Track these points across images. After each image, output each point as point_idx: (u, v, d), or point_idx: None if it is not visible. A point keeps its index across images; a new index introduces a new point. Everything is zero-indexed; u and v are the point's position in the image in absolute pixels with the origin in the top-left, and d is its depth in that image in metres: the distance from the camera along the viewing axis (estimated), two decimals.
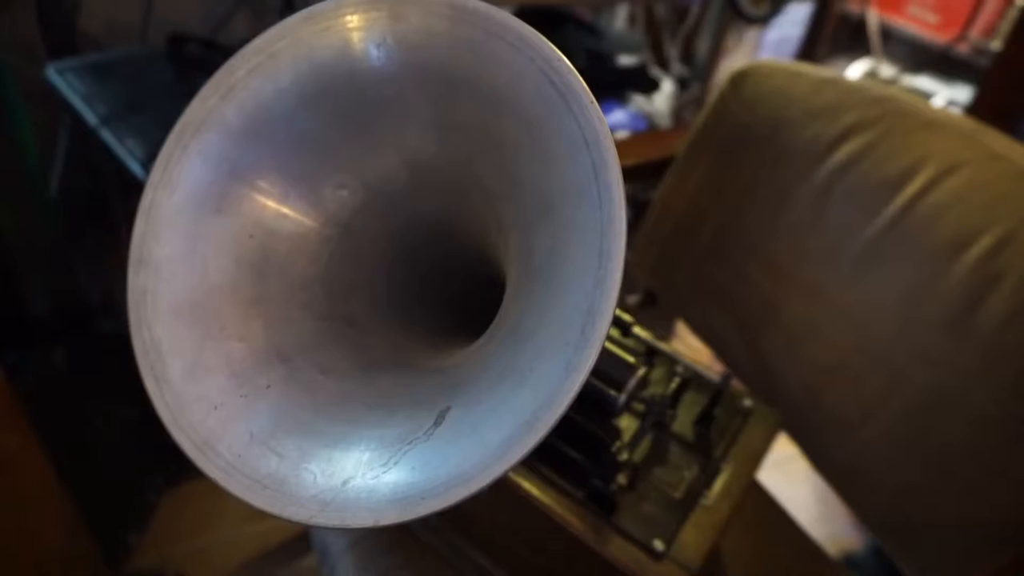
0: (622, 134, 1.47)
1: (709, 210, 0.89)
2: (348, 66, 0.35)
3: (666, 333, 1.31)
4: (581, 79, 0.31)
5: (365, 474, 0.31)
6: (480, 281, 0.44)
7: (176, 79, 1.22)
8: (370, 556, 0.66)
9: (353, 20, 0.35)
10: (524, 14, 1.40)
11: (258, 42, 0.37)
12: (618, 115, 1.44)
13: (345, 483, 0.31)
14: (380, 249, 0.39)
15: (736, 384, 0.69)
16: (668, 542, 0.53)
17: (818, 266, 0.79)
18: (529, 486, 0.56)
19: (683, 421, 0.63)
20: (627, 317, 0.65)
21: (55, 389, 1.01)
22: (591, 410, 0.57)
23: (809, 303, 0.79)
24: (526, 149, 0.31)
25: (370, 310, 0.38)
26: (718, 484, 0.59)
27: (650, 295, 1.17)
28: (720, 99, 0.88)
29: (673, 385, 0.59)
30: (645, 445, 0.60)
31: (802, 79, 0.83)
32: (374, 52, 0.35)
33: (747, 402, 0.67)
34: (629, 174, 1.02)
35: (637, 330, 0.64)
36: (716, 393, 0.61)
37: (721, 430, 0.63)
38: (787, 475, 1.37)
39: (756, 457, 0.63)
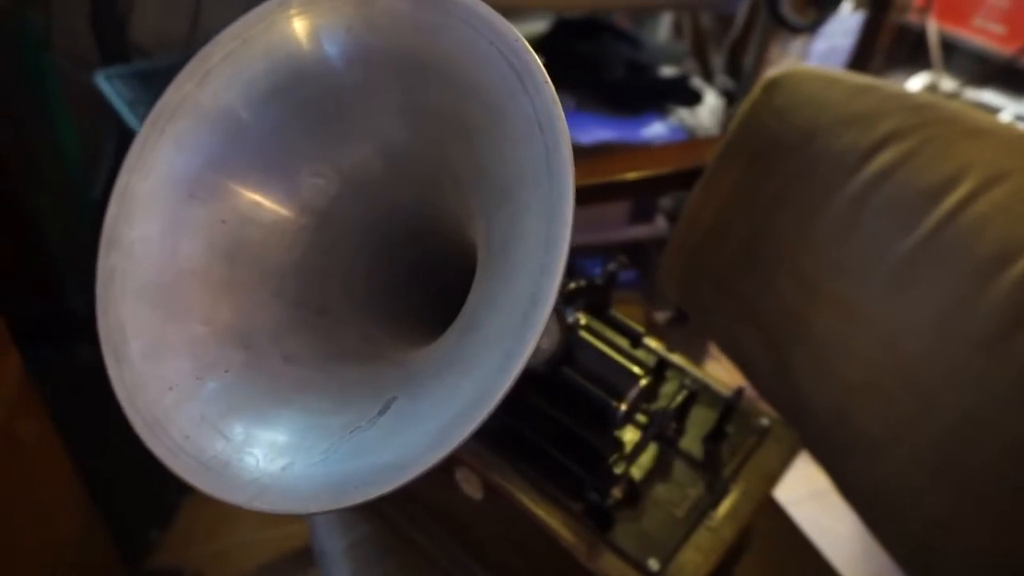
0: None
1: (738, 221, 0.85)
2: (319, 52, 0.35)
3: (699, 353, 1.27)
4: (538, 60, 0.30)
5: (305, 460, 0.30)
6: (463, 275, 0.42)
7: None
8: (367, 560, 0.64)
9: (324, 5, 0.34)
10: (562, 23, 1.40)
11: (235, 27, 0.37)
12: (656, 127, 1.41)
13: (284, 469, 0.30)
14: (358, 241, 0.38)
15: (762, 405, 0.65)
16: (664, 562, 0.50)
17: (850, 280, 0.74)
18: (523, 497, 0.53)
19: (692, 437, 0.60)
20: (638, 328, 0.62)
21: (84, 384, 1.04)
22: (590, 420, 0.55)
23: (839, 318, 0.75)
24: (488, 133, 0.30)
25: (345, 301, 0.37)
26: (725, 505, 0.56)
27: (682, 313, 1.14)
28: (751, 107, 0.85)
29: (679, 398, 0.56)
30: (648, 460, 0.57)
31: (837, 86, 0.79)
32: (344, 37, 0.34)
33: (764, 421, 0.63)
34: (661, 183, 0.99)
35: (649, 342, 0.62)
36: (726, 408, 0.58)
37: (733, 448, 0.60)
38: (827, 508, 1.31)
39: (770, 478, 0.59)
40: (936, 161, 0.70)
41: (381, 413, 0.30)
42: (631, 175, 0.88)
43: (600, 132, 1.38)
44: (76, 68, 1.27)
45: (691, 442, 0.60)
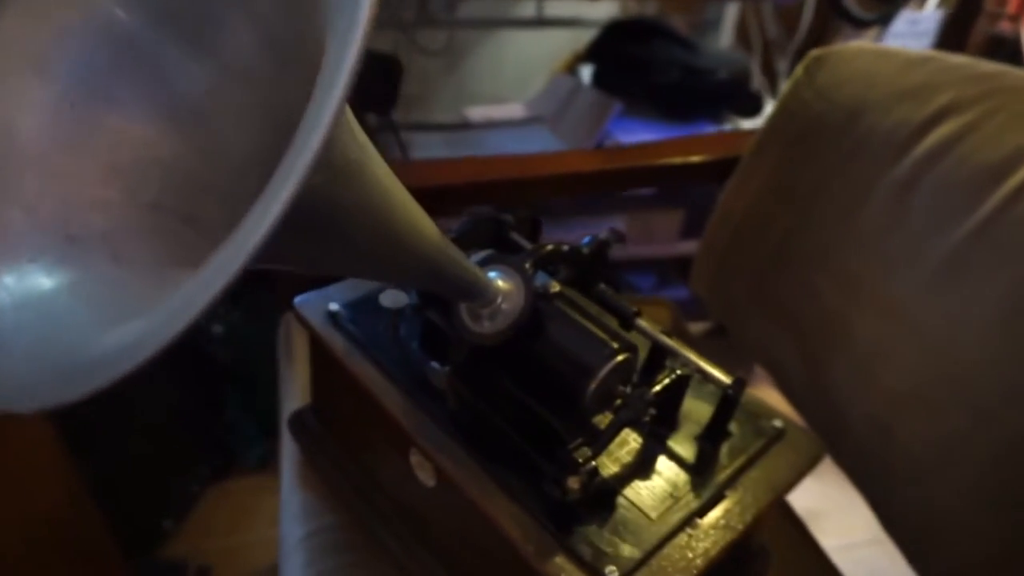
0: None
1: (774, 213, 0.77)
2: None
3: (745, 372, 1.16)
4: None
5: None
6: None
7: None
8: (322, 551, 0.59)
9: None
10: (613, 25, 1.34)
11: None
12: (704, 130, 1.33)
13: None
14: (246, 150, 0.33)
15: (789, 413, 0.56)
16: (627, 571, 0.42)
17: (896, 275, 0.65)
18: (472, 485, 0.47)
19: (686, 435, 0.52)
20: (632, 307, 0.55)
21: None
22: (555, 399, 0.48)
23: (884, 320, 0.65)
24: None
25: (221, 213, 0.32)
26: (716, 512, 0.47)
27: (721, 327, 1.05)
28: (792, 88, 0.77)
29: (665, 381, 0.48)
30: (627, 455, 0.50)
31: (890, 59, 0.70)
32: None
33: (777, 423, 0.54)
34: (692, 172, 0.91)
35: (644, 323, 0.54)
36: (724, 401, 0.50)
37: (734, 451, 0.51)
38: (888, 553, 1.16)
39: (777, 489, 0.50)
40: (999, 136, 0.60)
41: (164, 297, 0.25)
42: (659, 161, 0.81)
43: (648, 137, 1.31)
44: None
45: (683, 440, 0.51)
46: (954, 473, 0.57)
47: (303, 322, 0.57)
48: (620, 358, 0.47)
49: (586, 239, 0.55)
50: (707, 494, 0.48)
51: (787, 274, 0.75)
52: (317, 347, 0.59)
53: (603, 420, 0.48)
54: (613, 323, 0.53)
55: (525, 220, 0.61)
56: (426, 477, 0.52)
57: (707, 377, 0.51)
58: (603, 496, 0.47)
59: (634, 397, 0.46)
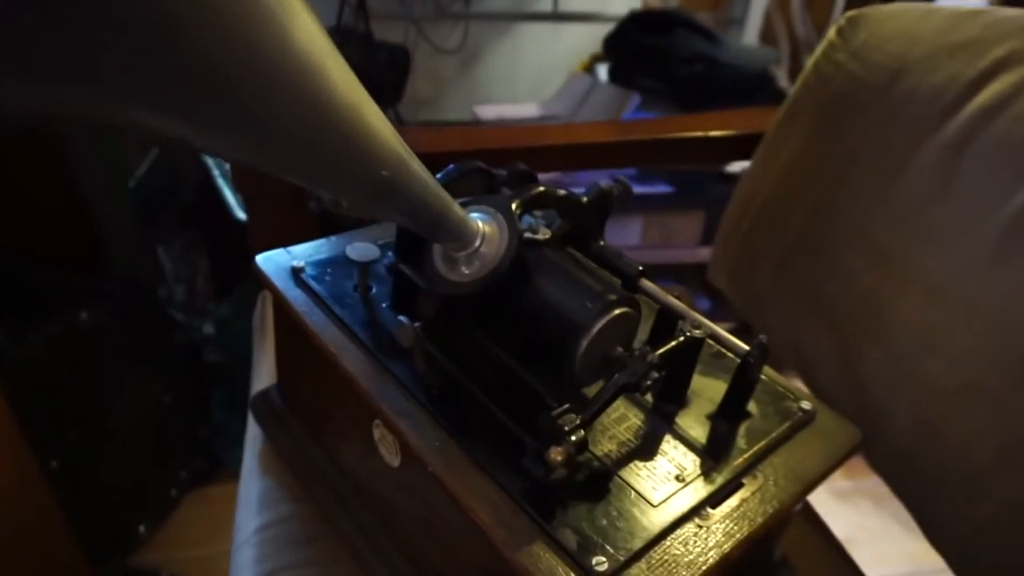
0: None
1: (802, 190, 0.69)
2: None
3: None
4: None
5: None
6: None
7: None
8: (276, 545, 0.51)
9: None
10: (632, 16, 1.29)
11: None
12: None
13: None
14: None
15: (799, 384, 0.48)
16: (619, 564, 0.34)
17: (942, 251, 0.56)
18: (438, 461, 0.39)
19: (697, 414, 0.44)
20: (637, 266, 0.47)
21: (85, 359, 0.98)
22: (539, 359, 0.40)
23: (929, 302, 0.57)
24: None
25: None
26: (731, 502, 0.39)
27: (745, 325, 0.97)
28: (824, 51, 0.70)
29: (672, 343, 0.41)
30: (626, 433, 0.42)
31: (934, 15, 0.63)
32: None
33: (805, 404, 0.46)
34: (715, 146, 0.83)
35: (648, 284, 0.47)
36: (743, 369, 0.42)
37: (755, 433, 0.43)
38: None
39: (804, 479, 0.42)
40: None
41: None
42: (677, 134, 0.74)
43: None
44: None
45: (694, 419, 0.43)
46: (1016, 476, 0.48)
47: (263, 280, 0.51)
48: (618, 312, 0.39)
49: (585, 189, 0.48)
50: (721, 480, 0.40)
51: (817, 256, 0.67)
52: (279, 311, 0.52)
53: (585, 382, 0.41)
54: (615, 284, 0.45)
55: (519, 174, 0.54)
56: (390, 455, 0.44)
57: (722, 343, 0.43)
58: (594, 476, 0.39)
59: (635, 359, 0.38)
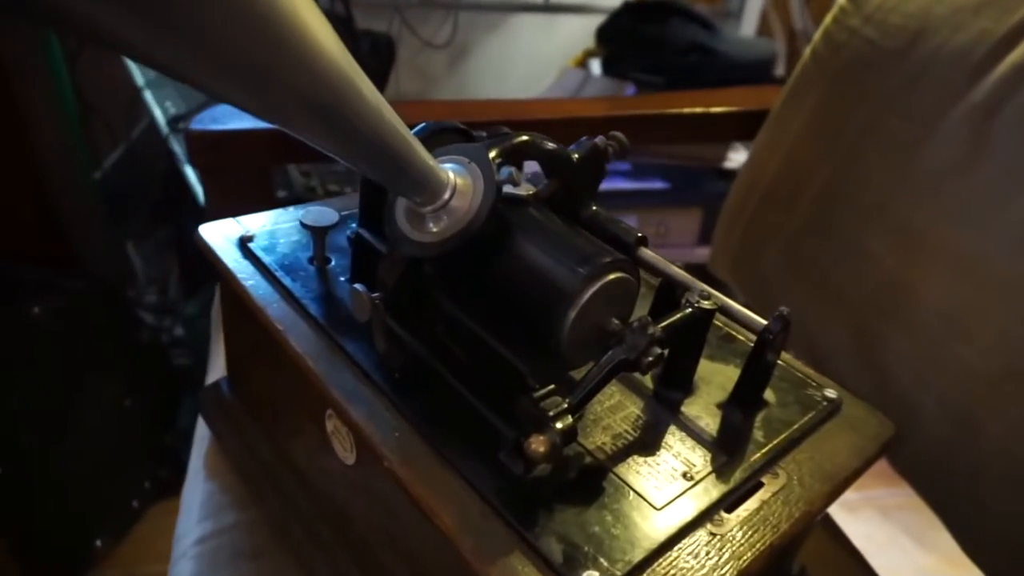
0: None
1: (812, 167, 0.63)
2: None
3: None
4: None
5: None
6: None
7: None
8: (216, 561, 0.44)
9: None
10: (627, 6, 1.23)
11: None
12: None
13: None
14: None
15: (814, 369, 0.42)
16: None
17: (973, 227, 0.50)
18: (396, 457, 0.32)
19: (706, 402, 0.37)
20: (635, 231, 0.41)
21: (35, 351, 0.91)
22: (518, 333, 0.34)
23: (960, 282, 0.51)
24: None
25: None
26: (750, 504, 0.33)
27: None
28: (835, 17, 0.64)
29: (676, 316, 0.34)
30: (622, 424, 0.35)
31: None
32: None
33: (830, 392, 0.40)
34: (718, 123, 0.77)
35: (650, 253, 0.41)
36: (760, 348, 0.36)
37: (773, 425, 0.37)
38: None
39: (833, 478, 0.35)
40: None
41: None
42: (674, 110, 0.68)
43: None
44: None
45: (702, 408, 0.37)
46: None
47: (205, 252, 0.44)
48: (612, 277, 0.33)
49: (576, 145, 0.42)
50: (737, 478, 0.33)
51: (829, 238, 0.61)
52: (225, 287, 0.45)
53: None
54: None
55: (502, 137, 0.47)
56: (344, 450, 0.37)
57: (734, 317, 0.37)
58: (585, 473, 0.32)
59: (634, 331, 0.32)
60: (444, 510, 0.30)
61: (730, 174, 1.23)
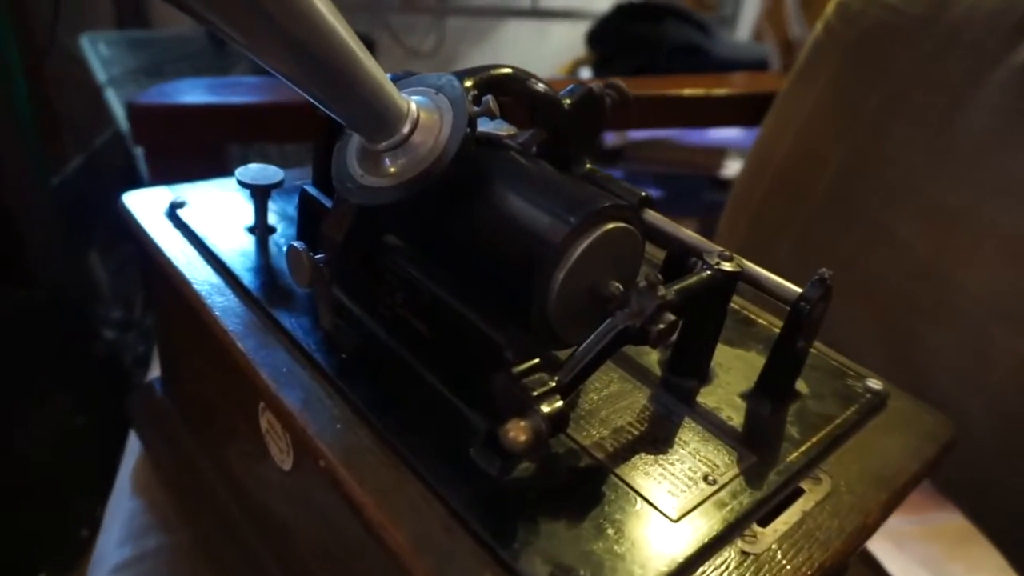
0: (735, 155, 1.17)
1: (828, 147, 0.57)
2: None
3: None
4: None
5: None
6: None
7: (215, 53, 1.10)
8: None
9: None
10: (620, 7, 1.19)
11: None
12: (728, 130, 1.15)
13: None
14: None
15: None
16: None
17: (1021, 201, 0.44)
18: (341, 456, 0.25)
19: (730, 392, 0.31)
20: (639, 191, 0.35)
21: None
22: (493, 298, 0.27)
23: (1006, 266, 0.44)
24: None
25: None
26: (789, 515, 0.25)
27: None
28: None
29: (691, 279, 0.27)
30: (624, 412, 0.28)
31: None
32: None
33: (874, 383, 0.33)
34: (722, 106, 0.71)
35: (656, 216, 0.34)
36: (795, 322, 0.29)
37: (810, 420, 0.30)
38: None
39: (891, 485, 0.28)
40: None
41: None
42: (673, 92, 0.62)
43: (656, 128, 1.13)
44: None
45: (722, 399, 0.30)
46: None
47: (126, 220, 0.37)
48: (611, 227, 0.26)
49: (568, 90, 0.35)
50: (772, 483, 0.26)
51: (849, 225, 0.54)
52: (148, 262, 0.38)
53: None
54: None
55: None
56: (281, 452, 0.30)
57: (761, 286, 0.30)
58: (579, 475, 0.25)
59: (640, 292, 0.25)
60: (396, 523, 0.23)
61: (727, 184, 1.18)
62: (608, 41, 1.15)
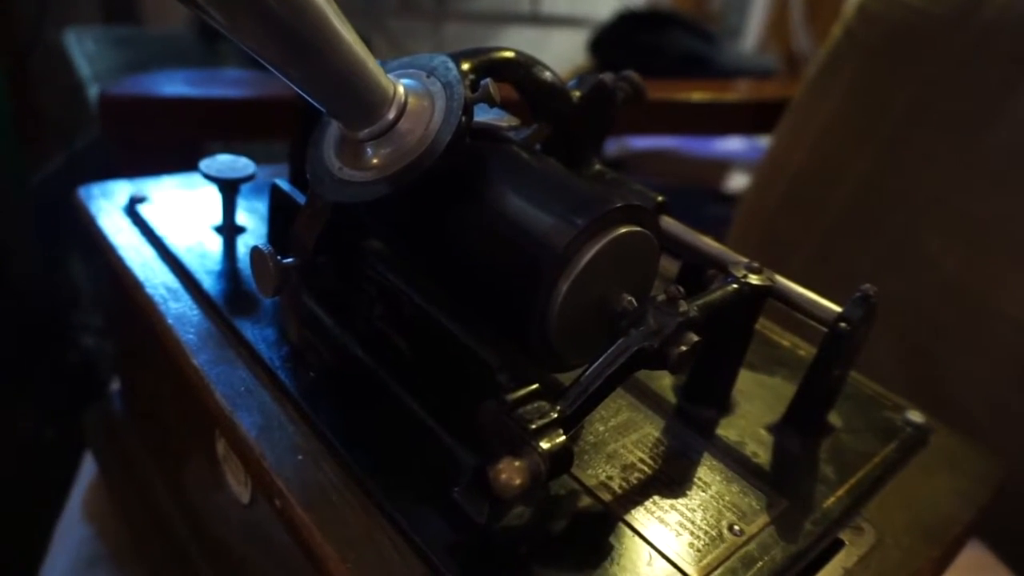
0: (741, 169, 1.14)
1: (847, 157, 0.54)
2: None
3: None
4: None
5: None
6: None
7: (203, 50, 1.07)
8: None
9: None
10: (624, 16, 1.16)
11: None
12: (733, 141, 1.12)
13: None
14: None
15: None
16: None
17: None
18: (299, 495, 0.21)
19: (753, 421, 0.27)
20: (654, 195, 0.31)
21: None
22: (485, 312, 0.23)
23: None
24: None
25: None
26: (829, 572, 0.22)
27: None
28: None
29: (716, 293, 0.24)
30: (633, 448, 0.24)
31: None
32: None
33: (914, 416, 0.29)
34: (731, 113, 0.67)
35: (673, 221, 0.30)
36: (831, 344, 0.25)
37: (847, 457, 0.26)
38: None
39: (944, 537, 0.25)
40: None
41: None
42: (691, 96, 0.59)
43: (659, 140, 1.10)
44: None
45: (746, 432, 0.26)
46: None
47: (80, 215, 0.33)
48: (623, 231, 0.22)
49: (576, 81, 0.32)
50: (808, 534, 0.22)
51: (869, 240, 0.51)
52: (105, 263, 0.34)
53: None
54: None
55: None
56: (238, 483, 0.26)
57: (792, 301, 0.27)
58: (584, 522, 0.21)
59: (659, 308, 0.21)
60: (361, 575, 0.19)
61: (731, 199, 1.15)
62: (611, 49, 1.12)
